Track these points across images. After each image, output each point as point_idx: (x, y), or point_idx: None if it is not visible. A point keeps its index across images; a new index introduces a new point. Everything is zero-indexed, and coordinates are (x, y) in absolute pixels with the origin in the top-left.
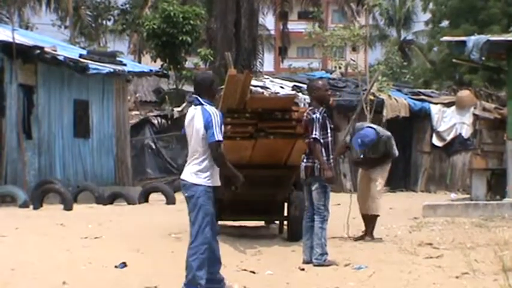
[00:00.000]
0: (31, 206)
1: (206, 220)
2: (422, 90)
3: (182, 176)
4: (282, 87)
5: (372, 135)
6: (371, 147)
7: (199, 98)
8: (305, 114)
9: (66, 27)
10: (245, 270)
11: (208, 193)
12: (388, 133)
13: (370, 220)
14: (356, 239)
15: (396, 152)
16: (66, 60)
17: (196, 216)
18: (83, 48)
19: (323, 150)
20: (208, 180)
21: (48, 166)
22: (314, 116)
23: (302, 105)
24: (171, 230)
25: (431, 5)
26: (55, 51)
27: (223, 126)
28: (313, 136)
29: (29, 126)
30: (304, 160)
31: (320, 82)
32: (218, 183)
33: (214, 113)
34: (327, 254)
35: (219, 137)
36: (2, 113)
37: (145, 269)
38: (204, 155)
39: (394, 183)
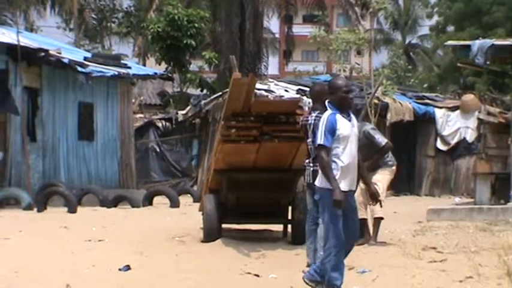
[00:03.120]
0: (35, 209)
1: (333, 222)
2: (426, 94)
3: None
4: (286, 90)
5: None
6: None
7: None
8: (314, 118)
9: (70, 29)
10: (249, 273)
11: (330, 195)
12: (370, 127)
13: (374, 224)
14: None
15: (381, 141)
16: (71, 63)
17: (323, 219)
18: (88, 51)
19: None
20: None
21: (52, 169)
22: None
23: (306, 108)
24: (175, 233)
25: (436, 9)
26: (60, 53)
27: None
28: None
29: (34, 129)
30: (311, 164)
31: (326, 87)
32: (348, 187)
33: (323, 117)
34: None
35: (320, 140)
36: (15, 111)
37: (149, 272)
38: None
39: (398, 187)
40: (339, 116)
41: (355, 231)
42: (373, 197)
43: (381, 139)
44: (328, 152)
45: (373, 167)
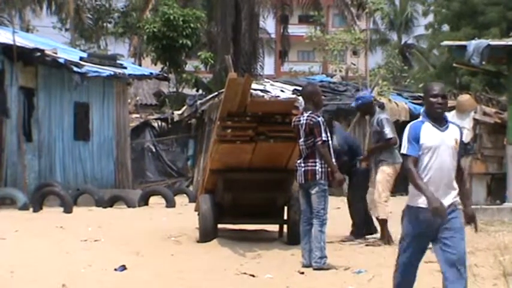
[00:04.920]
0: (31, 209)
1: (403, 242)
2: (422, 95)
3: None
4: (282, 90)
5: (368, 94)
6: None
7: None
8: (306, 118)
9: (66, 29)
10: (245, 273)
11: (408, 211)
12: (385, 116)
13: (379, 225)
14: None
15: (388, 134)
16: (67, 63)
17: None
18: (84, 51)
19: None
20: (409, 198)
21: (48, 169)
22: (319, 119)
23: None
24: (170, 233)
25: (432, 8)
26: (55, 53)
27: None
28: (323, 139)
29: (29, 129)
30: (302, 164)
31: (317, 87)
32: (420, 203)
33: (408, 126)
34: (326, 257)
35: (403, 149)
36: (6, 114)
37: (145, 272)
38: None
39: (395, 187)
40: (426, 125)
41: (457, 255)
42: (468, 219)
43: (389, 132)
44: (415, 161)
45: (372, 151)
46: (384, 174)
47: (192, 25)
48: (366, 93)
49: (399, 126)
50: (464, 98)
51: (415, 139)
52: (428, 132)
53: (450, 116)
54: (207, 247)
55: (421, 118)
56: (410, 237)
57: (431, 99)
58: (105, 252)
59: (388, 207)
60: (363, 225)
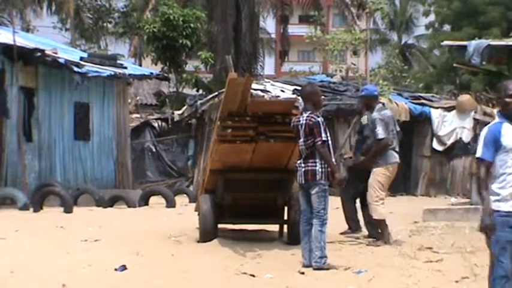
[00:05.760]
0: (31, 209)
1: (498, 249)
2: (422, 95)
3: None
4: (282, 90)
5: (373, 88)
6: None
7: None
8: (306, 118)
9: (67, 29)
10: (245, 273)
11: (500, 218)
12: (379, 115)
13: (378, 225)
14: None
15: (379, 134)
16: (67, 63)
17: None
18: (84, 51)
19: None
20: (497, 202)
21: (48, 168)
22: (319, 119)
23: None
24: (171, 233)
25: (432, 8)
26: (56, 53)
27: None
28: (323, 139)
29: (30, 129)
30: (302, 164)
31: (317, 87)
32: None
33: (485, 128)
34: (326, 257)
35: (478, 153)
36: (6, 114)
37: (146, 272)
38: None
39: (394, 187)
40: (506, 125)
41: None
42: None
43: (381, 132)
44: (488, 166)
45: (368, 162)
46: (375, 176)
47: (192, 25)
48: (373, 87)
49: (399, 127)
50: (465, 98)
51: (493, 141)
52: (510, 133)
53: (450, 115)
54: (207, 247)
55: (497, 119)
56: (503, 244)
57: (508, 99)
58: (106, 252)
59: (383, 207)
60: (358, 222)
